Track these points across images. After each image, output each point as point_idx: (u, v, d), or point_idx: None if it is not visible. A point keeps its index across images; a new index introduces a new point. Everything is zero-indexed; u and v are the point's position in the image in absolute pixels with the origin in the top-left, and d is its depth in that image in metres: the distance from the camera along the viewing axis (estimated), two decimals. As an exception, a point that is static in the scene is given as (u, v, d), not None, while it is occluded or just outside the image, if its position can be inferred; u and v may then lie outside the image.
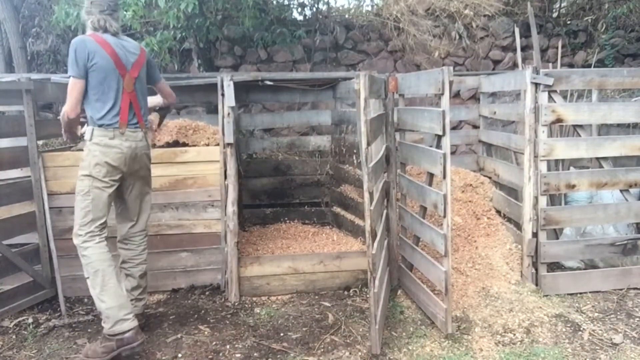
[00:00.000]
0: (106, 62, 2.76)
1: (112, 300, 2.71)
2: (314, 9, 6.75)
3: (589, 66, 6.59)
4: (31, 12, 6.69)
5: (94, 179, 2.76)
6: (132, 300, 2.99)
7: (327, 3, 6.74)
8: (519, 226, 3.90)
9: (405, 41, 6.49)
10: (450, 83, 2.86)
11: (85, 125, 2.91)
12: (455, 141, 5.41)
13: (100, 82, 2.77)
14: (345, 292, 3.70)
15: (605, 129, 4.45)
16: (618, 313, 3.32)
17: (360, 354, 2.88)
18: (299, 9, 6.85)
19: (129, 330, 2.69)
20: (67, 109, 2.74)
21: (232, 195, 3.61)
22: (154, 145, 3.74)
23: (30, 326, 3.22)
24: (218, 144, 3.67)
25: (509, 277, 3.73)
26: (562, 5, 7.39)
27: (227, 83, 3.59)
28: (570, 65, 6.87)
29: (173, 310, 3.47)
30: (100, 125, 2.78)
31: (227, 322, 3.30)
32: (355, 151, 4.39)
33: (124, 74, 2.83)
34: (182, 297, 3.64)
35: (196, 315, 3.38)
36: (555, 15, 7.31)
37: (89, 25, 2.85)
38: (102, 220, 2.82)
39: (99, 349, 2.71)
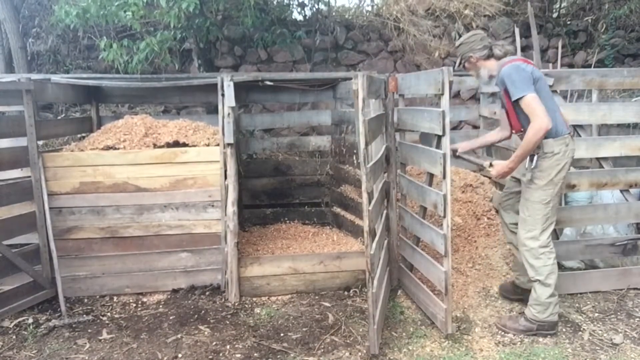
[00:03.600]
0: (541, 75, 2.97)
1: (554, 296, 3.03)
2: (314, 9, 6.75)
3: (589, 66, 6.59)
4: (31, 12, 6.69)
5: (555, 186, 2.95)
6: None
7: (327, 3, 6.74)
8: (519, 226, 3.89)
9: (405, 41, 6.49)
10: (450, 83, 2.85)
11: None
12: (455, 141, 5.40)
13: (546, 95, 2.93)
14: (346, 293, 3.70)
15: (605, 129, 4.45)
16: (618, 313, 3.32)
17: (360, 354, 2.88)
18: (299, 9, 6.86)
19: (554, 323, 3.06)
20: (543, 122, 2.77)
21: (232, 195, 3.61)
22: (154, 145, 3.75)
23: (30, 326, 3.23)
24: (218, 144, 3.67)
25: (509, 277, 3.73)
26: (562, 5, 7.39)
27: (227, 83, 3.59)
28: (570, 65, 6.86)
29: (173, 310, 3.47)
30: (556, 134, 2.92)
31: (227, 322, 3.30)
32: (355, 151, 4.39)
33: None
34: (182, 297, 3.65)
35: (196, 316, 3.38)
36: (555, 15, 7.31)
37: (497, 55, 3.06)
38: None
39: (519, 325, 3.07)
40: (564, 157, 2.92)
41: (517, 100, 2.84)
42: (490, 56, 3.06)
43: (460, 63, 3.16)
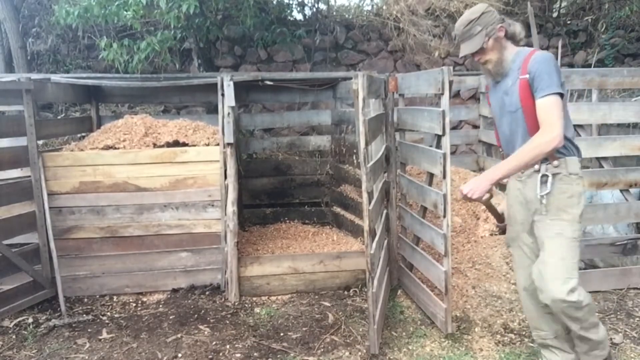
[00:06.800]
0: None
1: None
2: (314, 9, 6.75)
3: (589, 66, 6.58)
4: (31, 12, 6.69)
5: (580, 220, 2.29)
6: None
7: (327, 3, 6.74)
8: (519, 226, 3.88)
9: (405, 41, 6.49)
10: (450, 83, 2.85)
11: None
12: (455, 141, 5.42)
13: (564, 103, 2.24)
14: (345, 292, 3.70)
15: (605, 129, 4.45)
16: (618, 313, 3.32)
17: (360, 354, 2.88)
18: (299, 9, 6.86)
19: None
20: (559, 136, 2.11)
21: (232, 195, 3.61)
22: (154, 145, 3.75)
23: (30, 326, 3.23)
24: (218, 144, 3.67)
25: (509, 277, 3.73)
26: (562, 5, 7.38)
27: (227, 83, 3.59)
28: (570, 65, 6.86)
29: (173, 310, 3.47)
30: (578, 154, 2.31)
31: (227, 322, 3.30)
32: (355, 151, 4.39)
33: None
34: (182, 297, 3.65)
35: (196, 315, 3.38)
36: (555, 15, 7.31)
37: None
38: None
39: None
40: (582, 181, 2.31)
41: (541, 96, 2.15)
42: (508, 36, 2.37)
43: (487, 36, 2.30)
